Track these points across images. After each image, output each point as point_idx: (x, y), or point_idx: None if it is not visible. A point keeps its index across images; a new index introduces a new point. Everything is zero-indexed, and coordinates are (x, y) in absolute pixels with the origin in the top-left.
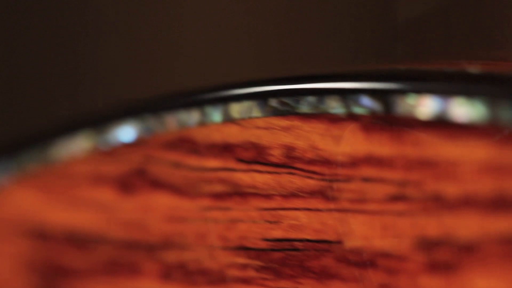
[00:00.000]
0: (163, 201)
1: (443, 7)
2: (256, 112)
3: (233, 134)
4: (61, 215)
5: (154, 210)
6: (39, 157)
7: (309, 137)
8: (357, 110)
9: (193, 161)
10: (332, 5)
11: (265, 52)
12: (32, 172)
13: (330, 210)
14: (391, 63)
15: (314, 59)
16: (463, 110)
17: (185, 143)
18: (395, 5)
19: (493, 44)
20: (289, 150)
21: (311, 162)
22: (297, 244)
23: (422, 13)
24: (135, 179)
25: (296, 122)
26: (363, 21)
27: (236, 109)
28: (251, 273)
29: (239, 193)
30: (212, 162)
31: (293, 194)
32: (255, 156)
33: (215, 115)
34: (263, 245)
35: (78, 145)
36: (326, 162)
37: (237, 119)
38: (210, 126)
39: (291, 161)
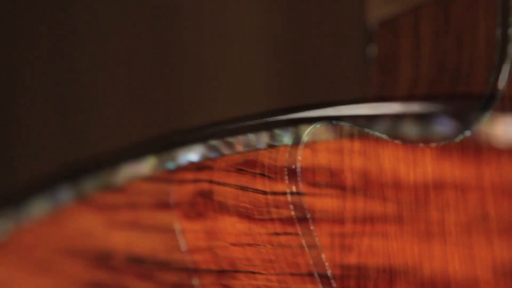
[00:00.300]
0: (229, 225)
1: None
2: (327, 134)
3: (303, 157)
4: (124, 239)
5: (221, 234)
6: (106, 180)
7: (383, 160)
8: (431, 133)
9: (261, 184)
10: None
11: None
12: (97, 195)
13: (405, 235)
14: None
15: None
16: None
17: (252, 167)
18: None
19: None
20: (362, 174)
21: (385, 186)
22: (371, 270)
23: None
24: (201, 203)
25: (369, 145)
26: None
27: (307, 132)
28: None
29: (310, 218)
30: (281, 186)
31: (367, 219)
32: (327, 179)
33: (285, 138)
34: (335, 271)
35: (144, 169)
36: (400, 186)
37: (308, 141)
38: (279, 149)
39: (364, 185)
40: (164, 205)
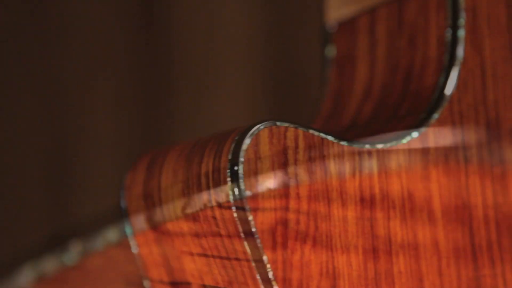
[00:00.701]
0: (311, 255)
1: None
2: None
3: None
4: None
5: (304, 265)
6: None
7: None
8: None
9: (338, 211)
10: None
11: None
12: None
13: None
14: None
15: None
16: None
17: (333, 194)
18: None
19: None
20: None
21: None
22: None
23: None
24: (280, 232)
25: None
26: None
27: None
28: None
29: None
30: (367, 213)
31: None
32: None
33: (372, 165)
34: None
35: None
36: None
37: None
38: (363, 177)
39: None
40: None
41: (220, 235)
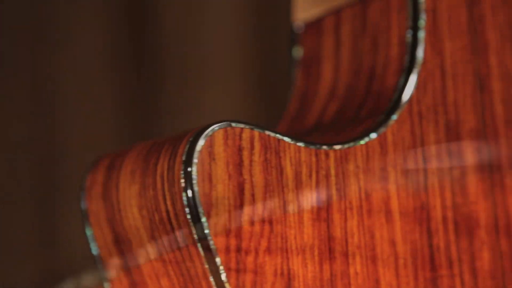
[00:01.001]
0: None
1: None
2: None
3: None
4: None
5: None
6: None
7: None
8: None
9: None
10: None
11: None
12: None
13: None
14: None
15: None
16: None
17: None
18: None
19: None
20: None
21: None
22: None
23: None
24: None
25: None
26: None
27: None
28: None
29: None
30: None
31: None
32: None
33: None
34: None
35: None
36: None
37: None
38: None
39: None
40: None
41: (175, 238)
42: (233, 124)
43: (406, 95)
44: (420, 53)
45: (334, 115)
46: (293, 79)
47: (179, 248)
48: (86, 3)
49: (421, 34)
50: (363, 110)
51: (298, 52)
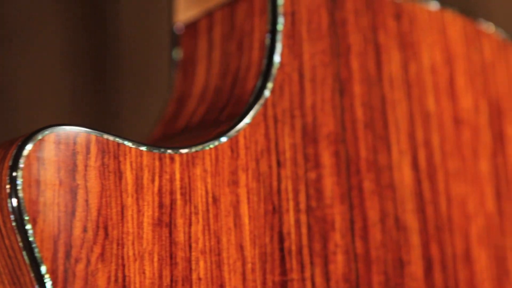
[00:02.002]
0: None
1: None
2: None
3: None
4: None
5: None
6: None
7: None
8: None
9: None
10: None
11: None
12: None
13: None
14: None
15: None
16: None
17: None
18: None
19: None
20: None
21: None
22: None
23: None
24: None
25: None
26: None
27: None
28: None
29: None
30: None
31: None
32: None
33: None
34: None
35: None
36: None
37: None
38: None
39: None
40: None
41: (5, 246)
42: (67, 128)
43: (261, 98)
44: (277, 57)
45: (201, 118)
46: (173, 81)
47: (9, 256)
48: (44, 2)
49: (279, 38)
50: (223, 113)
51: (178, 54)
